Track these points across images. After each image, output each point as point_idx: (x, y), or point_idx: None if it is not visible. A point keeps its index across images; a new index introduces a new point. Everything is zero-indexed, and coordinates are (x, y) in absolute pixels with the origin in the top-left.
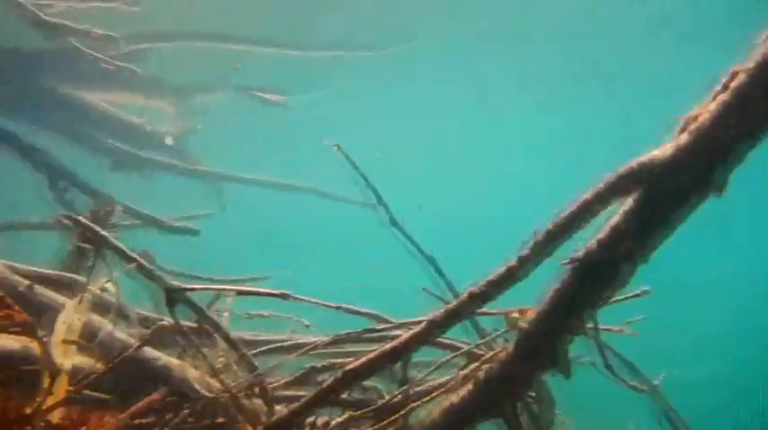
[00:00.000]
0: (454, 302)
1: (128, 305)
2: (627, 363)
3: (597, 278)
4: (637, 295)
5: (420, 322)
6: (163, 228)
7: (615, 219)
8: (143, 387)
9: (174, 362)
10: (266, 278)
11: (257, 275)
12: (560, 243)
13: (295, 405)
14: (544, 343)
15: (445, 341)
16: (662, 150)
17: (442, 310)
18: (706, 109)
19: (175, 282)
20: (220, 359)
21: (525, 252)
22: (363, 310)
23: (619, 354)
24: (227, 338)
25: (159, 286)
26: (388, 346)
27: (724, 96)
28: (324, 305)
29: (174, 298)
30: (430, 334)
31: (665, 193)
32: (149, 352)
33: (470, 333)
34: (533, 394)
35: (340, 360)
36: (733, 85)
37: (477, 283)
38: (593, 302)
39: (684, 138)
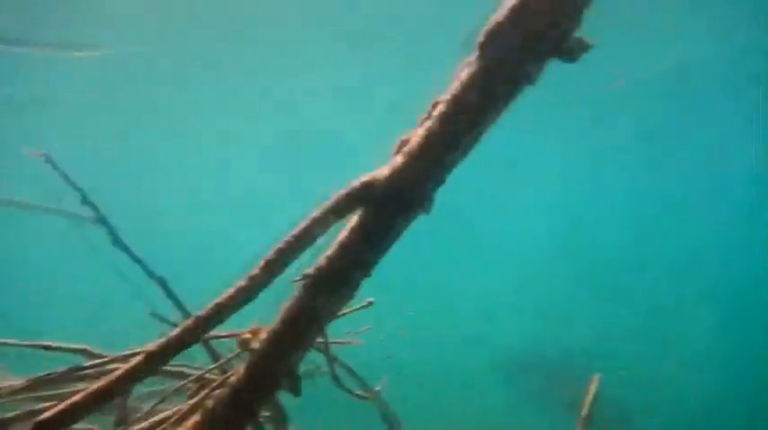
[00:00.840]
0: (177, 329)
1: None
2: (352, 373)
3: (327, 293)
4: (363, 307)
5: (137, 354)
6: None
7: (342, 235)
8: None
9: None
10: None
11: None
12: (292, 260)
13: None
14: (275, 362)
15: (172, 369)
16: (381, 171)
17: (163, 339)
18: (415, 133)
19: None
20: None
21: (256, 271)
22: (68, 346)
23: (345, 365)
24: None
25: None
26: (96, 386)
27: (429, 123)
28: (15, 344)
29: None
30: (149, 367)
31: (382, 211)
32: None
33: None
34: (266, 414)
35: (40, 405)
36: (435, 113)
37: (204, 306)
38: (323, 317)
39: (398, 160)
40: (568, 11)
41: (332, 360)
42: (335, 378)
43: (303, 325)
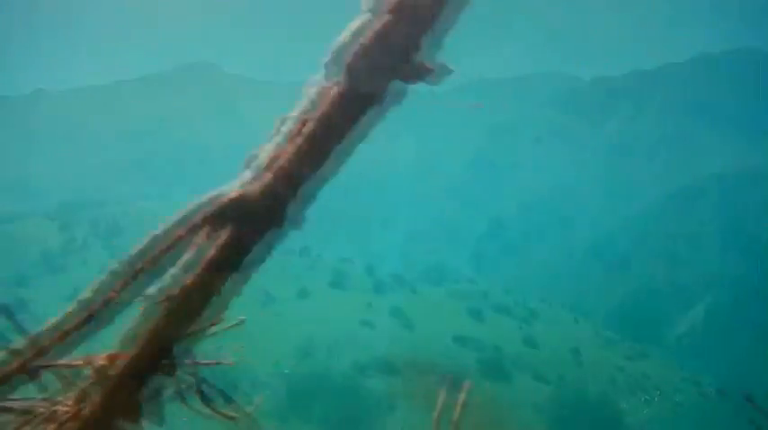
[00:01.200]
0: (14, 361)
1: None
2: (223, 395)
3: (190, 312)
4: (232, 326)
5: None
6: None
7: (209, 252)
8: None
9: None
10: None
11: None
12: (153, 281)
13: None
14: (136, 389)
15: (14, 404)
16: (251, 187)
17: None
18: (285, 150)
19: None
20: None
21: (111, 293)
22: None
23: (214, 387)
24: None
25: None
26: None
27: (299, 140)
28: None
29: None
30: None
31: (253, 229)
32: None
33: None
34: None
35: None
36: (305, 130)
37: (44, 331)
38: (187, 338)
39: (269, 176)
40: (428, 36)
41: (199, 382)
42: (205, 400)
43: (164, 347)
